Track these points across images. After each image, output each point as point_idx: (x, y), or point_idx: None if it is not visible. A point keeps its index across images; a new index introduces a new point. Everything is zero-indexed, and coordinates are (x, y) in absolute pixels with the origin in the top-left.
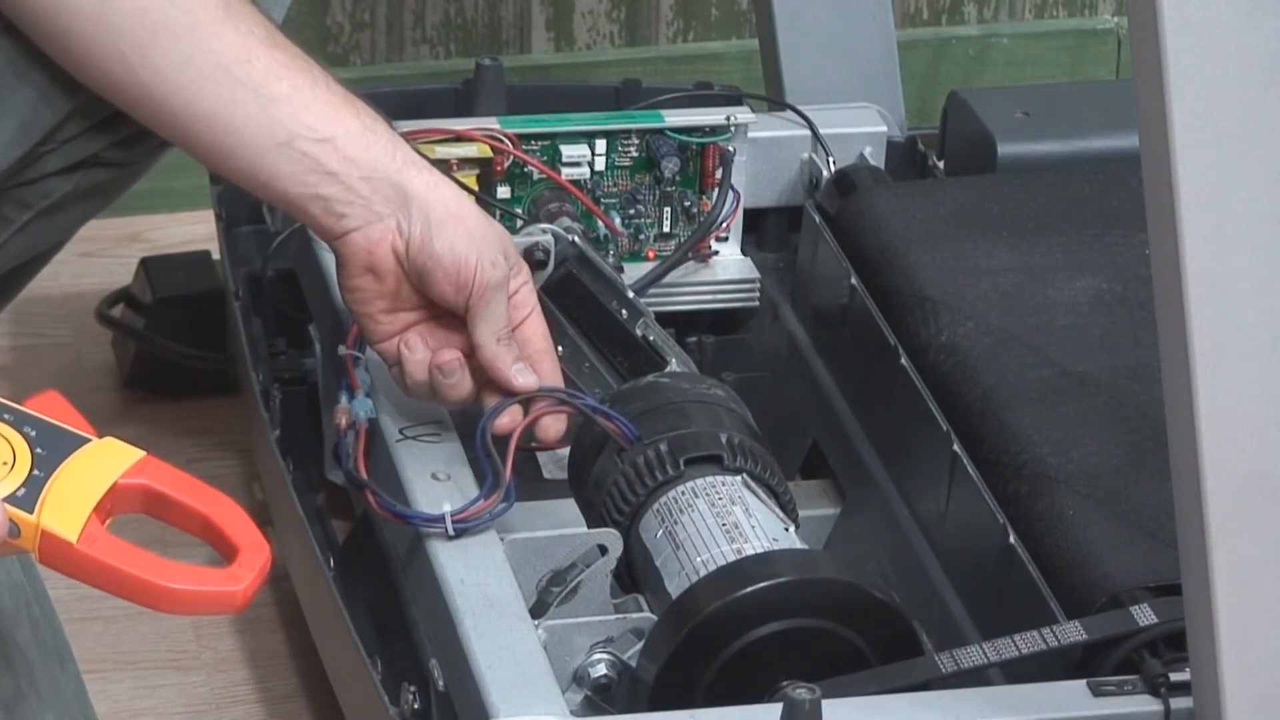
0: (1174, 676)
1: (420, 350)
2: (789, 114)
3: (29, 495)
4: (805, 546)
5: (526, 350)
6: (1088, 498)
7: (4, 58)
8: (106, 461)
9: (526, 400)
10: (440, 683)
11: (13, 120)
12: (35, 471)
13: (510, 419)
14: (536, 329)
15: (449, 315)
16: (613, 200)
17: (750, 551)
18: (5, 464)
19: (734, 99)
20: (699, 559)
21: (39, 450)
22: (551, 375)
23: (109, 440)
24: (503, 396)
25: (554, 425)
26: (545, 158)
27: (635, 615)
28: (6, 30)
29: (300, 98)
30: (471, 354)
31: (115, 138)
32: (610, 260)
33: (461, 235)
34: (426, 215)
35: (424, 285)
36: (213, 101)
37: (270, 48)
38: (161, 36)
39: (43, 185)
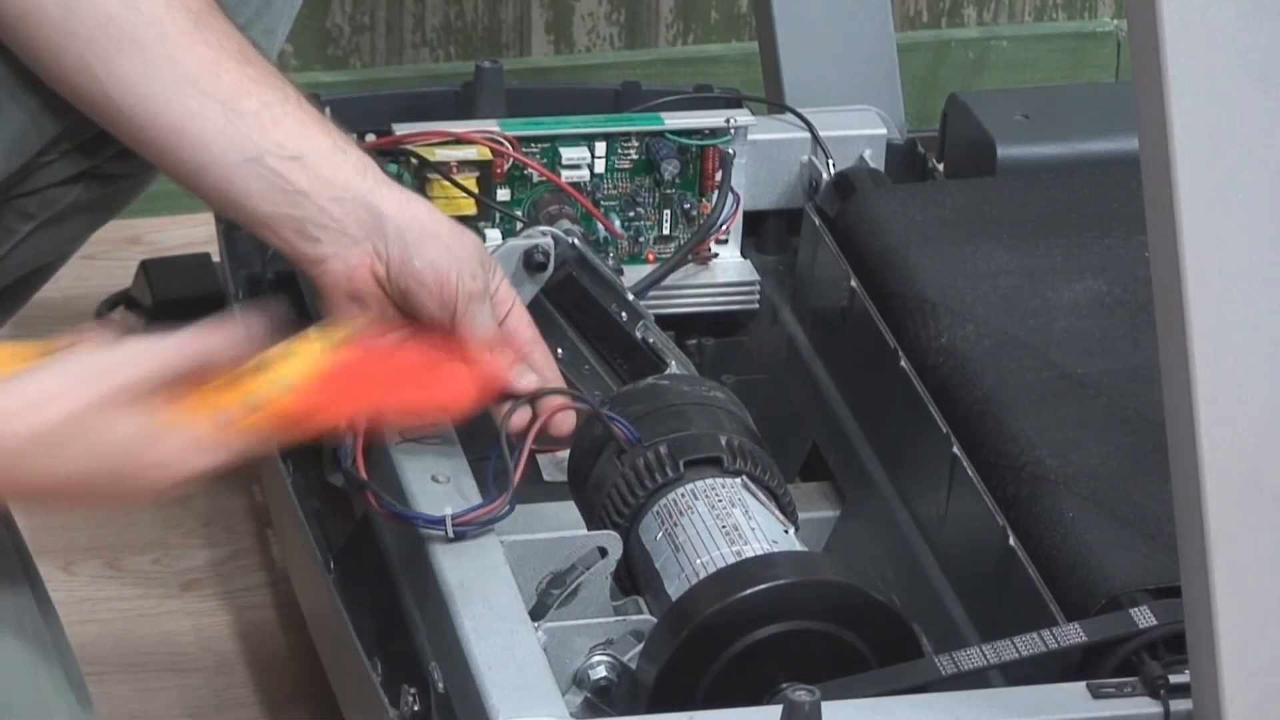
0: (1173, 678)
1: None
2: (789, 116)
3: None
4: (805, 549)
5: (516, 343)
6: (1087, 500)
7: None
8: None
9: (533, 401)
10: (440, 685)
11: (2, 140)
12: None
13: (521, 419)
14: (521, 320)
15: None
16: (612, 203)
17: (750, 554)
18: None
19: (734, 101)
20: (699, 561)
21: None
22: (545, 364)
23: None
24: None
25: (565, 421)
26: (545, 160)
27: (635, 617)
28: None
29: (270, 114)
30: None
31: (115, 149)
32: (610, 263)
33: (440, 251)
34: (402, 235)
35: (408, 304)
36: (180, 114)
37: (241, 63)
38: (127, 47)
39: (44, 196)
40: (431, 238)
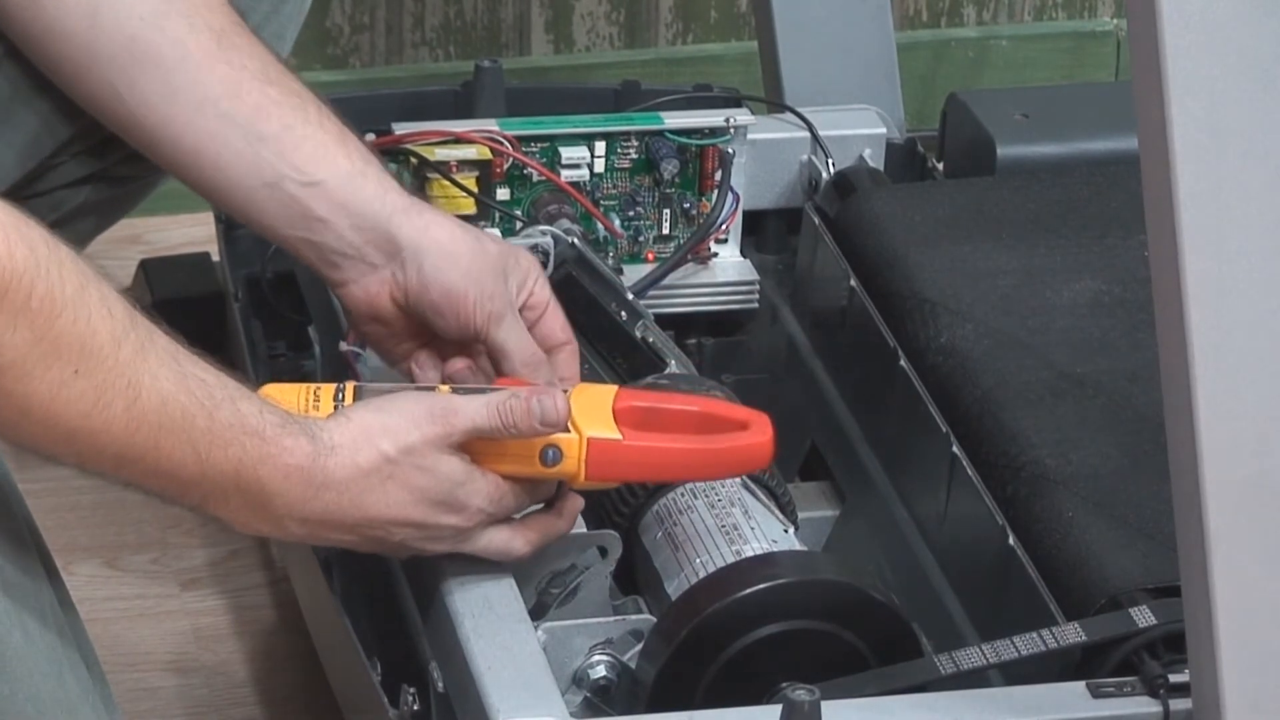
0: (1173, 678)
1: (430, 370)
2: (788, 116)
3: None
4: (804, 548)
5: (547, 345)
6: (1087, 499)
7: (8, 83)
8: (593, 395)
9: None
10: (440, 684)
11: (15, 143)
12: None
13: None
14: (554, 322)
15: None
16: (612, 202)
17: (749, 553)
18: None
19: (733, 101)
20: (698, 560)
21: None
22: (568, 365)
23: (581, 384)
24: None
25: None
26: (544, 160)
27: (634, 617)
28: (10, 55)
29: (291, 136)
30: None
31: (124, 152)
32: (610, 262)
33: (457, 276)
34: (419, 262)
35: (430, 325)
36: (200, 136)
37: (264, 83)
38: (150, 67)
39: (52, 198)
40: (449, 261)
